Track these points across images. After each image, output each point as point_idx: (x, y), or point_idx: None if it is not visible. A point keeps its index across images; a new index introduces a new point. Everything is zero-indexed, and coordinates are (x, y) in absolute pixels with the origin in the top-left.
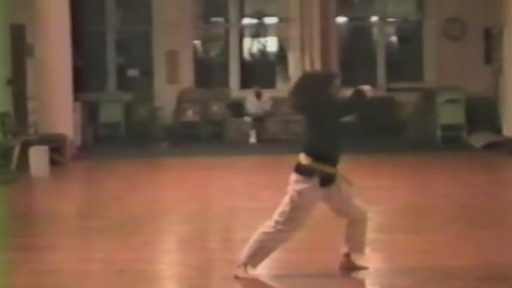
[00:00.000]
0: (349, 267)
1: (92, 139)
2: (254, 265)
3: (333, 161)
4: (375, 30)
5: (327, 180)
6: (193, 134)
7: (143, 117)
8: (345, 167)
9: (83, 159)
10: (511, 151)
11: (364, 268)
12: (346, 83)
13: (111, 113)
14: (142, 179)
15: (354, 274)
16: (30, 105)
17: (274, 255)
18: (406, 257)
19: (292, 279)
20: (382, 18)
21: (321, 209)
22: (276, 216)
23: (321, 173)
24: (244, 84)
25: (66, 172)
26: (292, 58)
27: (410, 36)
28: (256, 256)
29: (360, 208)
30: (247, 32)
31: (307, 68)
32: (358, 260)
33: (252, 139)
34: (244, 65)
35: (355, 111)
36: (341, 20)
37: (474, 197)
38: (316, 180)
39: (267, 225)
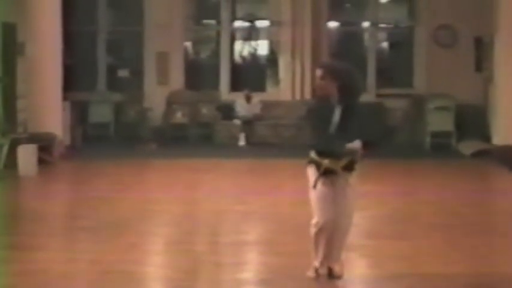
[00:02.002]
0: (336, 276)
1: (81, 139)
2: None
3: (328, 156)
4: (366, 35)
5: (323, 170)
6: (183, 136)
7: (132, 118)
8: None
9: (71, 158)
10: (499, 159)
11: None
12: None
13: (100, 113)
14: (130, 180)
15: (340, 280)
16: (20, 103)
17: (260, 259)
18: (393, 263)
19: (278, 283)
20: (374, 24)
21: (307, 215)
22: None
23: (316, 162)
24: (235, 87)
25: (54, 171)
26: (283, 62)
27: (401, 43)
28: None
29: (350, 214)
30: (238, 35)
31: (298, 72)
32: (338, 267)
33: (241, 142)
34: (234, 68)
35: None
36: (332, 24)
37: (462, 205)
38: (313, 167)
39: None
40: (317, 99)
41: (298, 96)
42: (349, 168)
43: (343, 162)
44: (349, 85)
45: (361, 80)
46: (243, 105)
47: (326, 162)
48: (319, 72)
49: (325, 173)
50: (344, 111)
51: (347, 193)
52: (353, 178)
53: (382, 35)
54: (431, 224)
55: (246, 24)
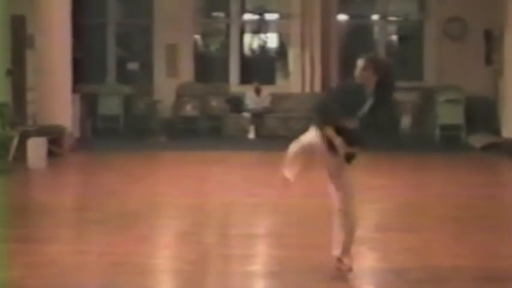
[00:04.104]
0: (345, 269)
1: (91, 131)
2: None
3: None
4: (375, 28)
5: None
6: (192, 128)
7: (142, 110)
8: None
9: (81, 151)
10: (509, 152)
11: (350, 270)
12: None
13: (110, 105)
14: (140, 173)
15: (349, 273)
16: (29, 96)
17: (269, 251)
18: (401, 256)
19: (286, 276)
20: (383, 17)
21: (315, 208)
22: None
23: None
24: (244, 79)
25: (63, 164)
26: (293, 55)
27: (410, 36)
28: None
29: (351, 202)
30: (248, 28)
31: (307, 64)
32: (348, 260)
33: (251, 135)
34: (244, 61)
35: None
36: (342, 17)
37: (471, 198)
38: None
39: None
40: (353, 84)
41: (307, 89)
42: (349, 158)
43: (350, 149)
44: (387, 81)
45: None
46: (252, 98)
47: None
48: (361, 62)
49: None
50: (374, 105)
51: (343, 179)
52: (348, 167)
53: (391, 28)
54: (440, 217)
55: (256, 17)
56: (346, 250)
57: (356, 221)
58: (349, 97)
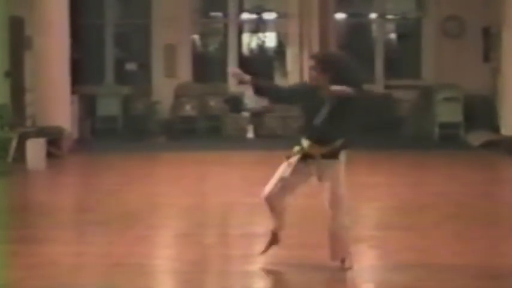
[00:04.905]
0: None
1: (89, 132)
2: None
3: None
4: (374, 27)
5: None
6: (191, 128)
7: (141, 111)
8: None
9: (79, 152)
10: (508, 150)
11: (349, 268)
12: None
13: (108, 106)
14: (139, 173)
15: (349, 271)
16: (28, 97)
17: (268, 251)
18: (401, 254)
19: (287, 275)
20: (381, 16)
21: (315, 207)
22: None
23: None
24: None
25: (62, 165)
26: (291, 54)
27: (409, 34)
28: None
29: (341, 205)
30: (246, 27)
31: (305, 64)
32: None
33: (250, 134)
34: (242, 60)
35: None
36: (340, 16)
37: (471, 196)
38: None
39: None
40: (308, 86)
41: None
42: (331, 156)
43: (324, 149)
44: (342, 78)
45: (361, 72)
46: (251, 98)
47: (306, 146)
48: (311, 62)
49: (304, 158)
50: (334, 106)
51: (331, 184)
52: (337, 167)
53: (390, 27)
54: (439, 215)
55: (254, 16)
56: (339, 254)
57: (342, 229)
58: (305, 100)
